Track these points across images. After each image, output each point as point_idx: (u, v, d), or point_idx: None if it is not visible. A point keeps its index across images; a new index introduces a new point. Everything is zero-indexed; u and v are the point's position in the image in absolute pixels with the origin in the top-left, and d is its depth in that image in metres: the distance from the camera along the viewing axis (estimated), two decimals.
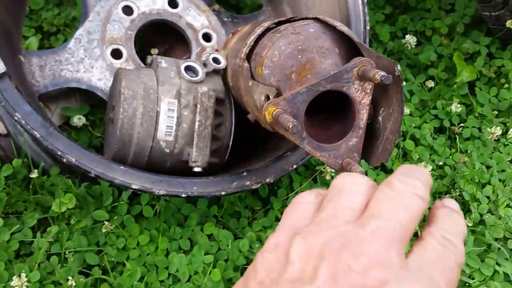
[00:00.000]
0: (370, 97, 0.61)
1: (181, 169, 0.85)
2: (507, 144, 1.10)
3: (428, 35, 1.27)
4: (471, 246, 0.93)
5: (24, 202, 0.90)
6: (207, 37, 1.07)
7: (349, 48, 0.71)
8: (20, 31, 0.97)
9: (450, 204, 0.40)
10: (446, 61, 1.20)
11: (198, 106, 0.80)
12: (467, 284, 0.90)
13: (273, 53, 0.71)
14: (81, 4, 0.99)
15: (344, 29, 0.70)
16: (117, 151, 0.80)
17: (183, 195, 0.74)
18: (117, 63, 0.98)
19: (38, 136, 0.68)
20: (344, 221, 0.36)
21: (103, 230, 0.86)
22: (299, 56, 0.68)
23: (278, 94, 0.69)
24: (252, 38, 0.76)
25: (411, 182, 0.37)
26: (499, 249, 0.95)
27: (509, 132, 1.09)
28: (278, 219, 0.94)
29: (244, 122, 0.86)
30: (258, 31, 0.77)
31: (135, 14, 1.02)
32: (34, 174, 0.87)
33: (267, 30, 0.77)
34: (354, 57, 0.72)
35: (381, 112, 0.65)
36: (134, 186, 0.72)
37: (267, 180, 0.80)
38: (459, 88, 1.15)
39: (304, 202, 0.40)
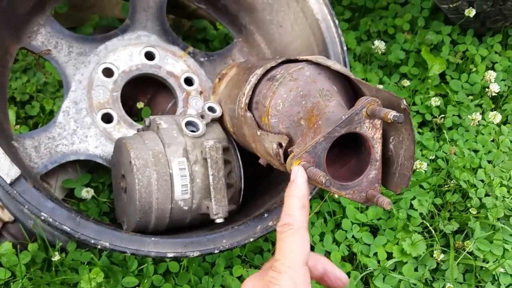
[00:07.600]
0: (381, 131, 0.65)
1: (201, 221, 0.87)
2: (486, 125, 1.17)
3: (391, 33, 1.32)
4: (479, 231, 0.99)
5: (47, 285, 0.90)
6: (189, 81, 1.08)
7: (345, 83, 0.75)
8: (7, 116, 0.96)
9: None
10: (413, 56, 1.26)
11: (209, 160, 0.82)
12: (483, 269, 0.96)
13: (276, 102, 0.74)
14: (60, 76, 0.99)
15: (337, 67, 0.74)
16: (139, 220, 0.81)
17: (216, 251, 0.77)
18: (109, 127, 0.99)
19: (69, 230, 0.69)
20: None
21: None
22: (303, 102, 0.71)
23: (290, 140, 0.72)
24: (248, 87, 0.79)
25: None
26: (502, 227, 1.01)
27: (486, 114, 1.16)
28: None
29: (246, 158, 0.89)
30: (253, 79, 0.79)
31: (116, 75, 1.02)
32: (56, 257, 0.87)
33: (262, 76, 0.80)
34: (350, 91, 0.76)
35: (391, 140, 0.69)
36: (169, 255, 0.73)
37: None
38: (433, 81, 1.21)
39: None
